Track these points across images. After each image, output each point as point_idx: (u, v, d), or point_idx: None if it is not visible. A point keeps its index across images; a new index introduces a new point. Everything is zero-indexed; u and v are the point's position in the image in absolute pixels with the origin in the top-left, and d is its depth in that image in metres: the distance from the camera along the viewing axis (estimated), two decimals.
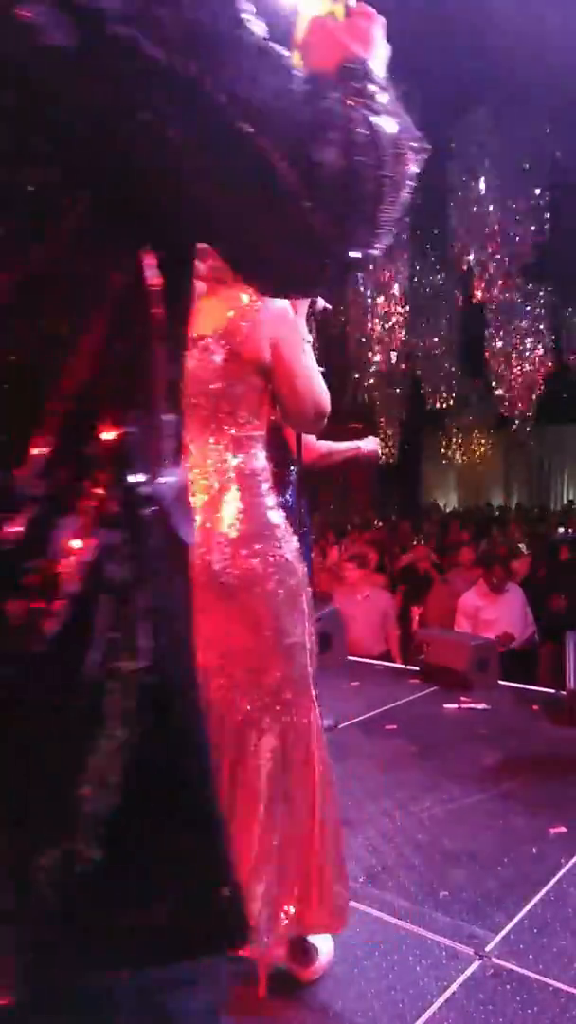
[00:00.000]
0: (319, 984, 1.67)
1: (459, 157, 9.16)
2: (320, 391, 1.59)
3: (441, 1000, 1.63)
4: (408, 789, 2.70)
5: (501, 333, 11.10)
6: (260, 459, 1.59)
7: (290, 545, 1.58)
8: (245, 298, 1.54)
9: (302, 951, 1.64)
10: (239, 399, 1.55)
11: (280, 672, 1.57)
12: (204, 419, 1.55)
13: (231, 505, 1.53)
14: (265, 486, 1.58)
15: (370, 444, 2.46)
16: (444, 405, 12.67)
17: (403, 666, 4.63)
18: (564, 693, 3.69)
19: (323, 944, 1.70)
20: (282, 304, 1.57)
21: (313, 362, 1.63)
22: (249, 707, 1.56)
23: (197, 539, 1.50)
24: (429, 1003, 1.62)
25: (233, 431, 1.56)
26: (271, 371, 1.55)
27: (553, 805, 2.57)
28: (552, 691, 3.94)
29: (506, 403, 11.75)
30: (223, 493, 1.54)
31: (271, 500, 1.59)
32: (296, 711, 1.59)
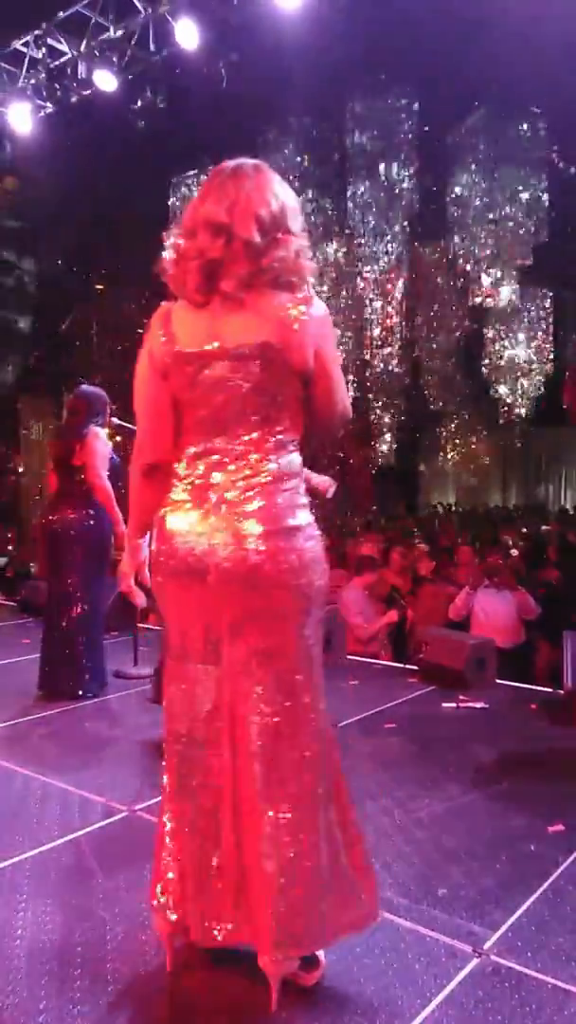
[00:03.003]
0: (318, 982, 1.67)
1: (459, 157, 9.18)
2: (347, 399, 1.70)
3: (440, 997, 1.64)
4: (407, 787, 2.71)
5: (501, 334, 11.12)
6: (297, 460, 1.65)
7: (320, 544, 1.64)
8: (291, 307, 1.56)
9: (308, 958, 1.64)
10: (283, 405, 1.60)
11: (302, 675, 1.60)
12: (249, 423, 1.59)
13: (268, 505, 1.57)
14: (301, 486, 1.65)
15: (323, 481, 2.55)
16: (443, 406, 12.68)
17: (402, 665, 4.64)
18: (562, 692, 3.70)
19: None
20: (324, 312, 1.62)
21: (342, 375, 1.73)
22: (273, 709, 1.57)
23: (234, 536, 1.55)
24: (428, 1000, 1.63)
25: (276, 436, 1.60)
26: (312, 377, 1.60)
27: (551, 803, 2.58)
28: (550, 690, 3.95)
29: (505, 405, 11.76)
30: (260, 493, 1.57)
31: (304, 499, 1.64)
32: (316, 715, 1.61)
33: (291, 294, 1.57)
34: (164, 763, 1.71)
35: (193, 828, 1.62)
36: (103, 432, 3.86)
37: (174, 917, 1.64)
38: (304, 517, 1.61)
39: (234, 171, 1.59)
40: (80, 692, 3.80)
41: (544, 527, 11.36)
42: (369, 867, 1.71)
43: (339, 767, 1.69)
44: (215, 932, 1.60)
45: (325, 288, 31.16)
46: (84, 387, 4.06)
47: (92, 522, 3.81)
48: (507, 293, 32.33)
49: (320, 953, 1.68)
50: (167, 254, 1.62)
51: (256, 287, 1.55)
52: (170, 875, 1.66)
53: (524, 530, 11.51)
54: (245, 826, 1.58)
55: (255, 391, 1.57)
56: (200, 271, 1.56)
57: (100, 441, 3.81)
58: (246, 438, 1.59)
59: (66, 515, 3.82)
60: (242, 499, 1.56)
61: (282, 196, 1.59)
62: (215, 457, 1.60)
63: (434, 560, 6.47)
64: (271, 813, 1.55)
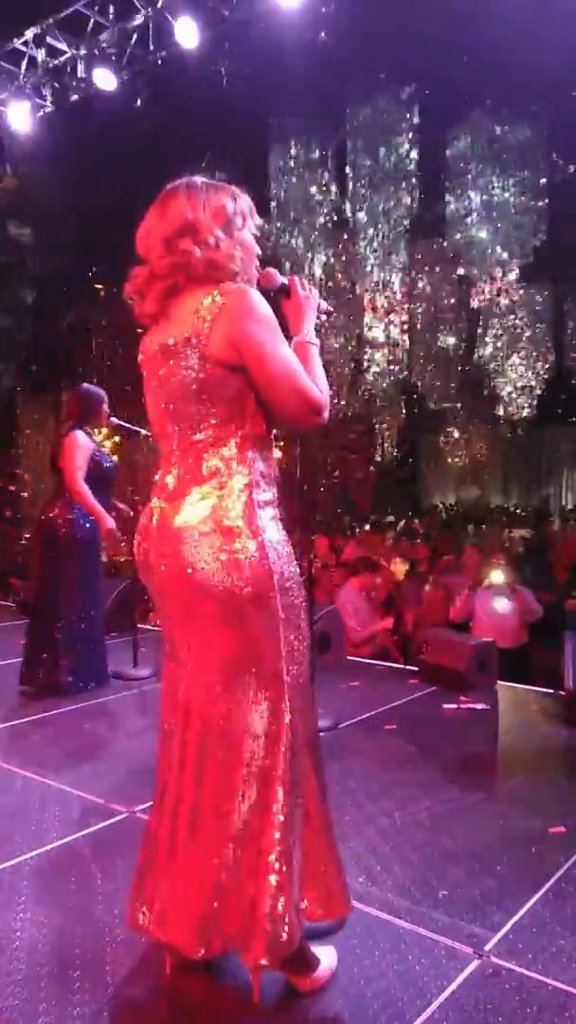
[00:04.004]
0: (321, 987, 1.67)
1: (459, 157, 9.19)
2: (304, 383, 1.55)
3: (440, 999, 1.63)
4: (407, 788, 2.71)
5: (501, 334, 11.14)
6: (242, 458, 1.59)
7: (269, 545, 1.55)
8: (208, 299, 1.56)
9: (302, 961, 1.62)
10: (216, 399, 1.58)
11: (252, 677, 1.56)
12: (186, 424, 1.61)
13: (209, 503, 1.56)
14: (246, 484, 1.57)
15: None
16: (443, 406, 12.70)
17: (403, 666, 4.63)
18: (563, 693, 3.70)
19: (325, 956, 1.69)
20: (245, 298, 1.55)
21: (313, 361, 1.65)
22: (220, 711, 1.56)
23: (173, 536, 1.56)
24: (428, 1002, 1.62)
25: (209, 433, 1.59)
26: (245, 367, 1.56)
27: (552, 805, 2.57)
28: (551, 691, 3.95)
29: (505, 405, 11.79)
30: (196, 491, 1.58)
31: (254, 498, 1.57)
32: (268, 719, 1.56)
33: (214, 286, 1.57)
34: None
35: (151, 816, 1.69)
36: (81, 435, 3.86)
37: (136, 905, 1.70)
38: (248, 516, 1.55)
39: (157, 200, 1.67)
40: (70, 687, 3.84)
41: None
42: (339, 867, 1.69)
43: (310, 769, 1.64)
44: (140, 916, 1.65)
45: (325, 288, 31.15)
46: (81, 387, 4.08)
47: (82, 521, 3.88)
48: (507, 293, 32.33)
49: (319, 959, 1.66)
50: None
51: (182, 292, 1.60)
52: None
53: (524, 530, 11.50)
54: (183, 822, 1.59)
55: (183, 390, 1.59)
56: (133, 295, 1.69)
57: (76, 444, 3.83)
58: (186, 437, 1.61)
59: (57, 514, 3.90)
60: (182, 499, 1.58)
61: (189, 208, 1.61)
62: (169, 458, 1.65)
63: (434, 560, 6.46)
64: (212, 812, 1.56)
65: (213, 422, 1.58)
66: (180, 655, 1.63)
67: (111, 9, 7.04)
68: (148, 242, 1.65)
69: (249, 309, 1.55)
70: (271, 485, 1.63)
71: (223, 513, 1.55)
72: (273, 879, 1.52)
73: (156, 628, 5.09)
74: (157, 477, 1.68)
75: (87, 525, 3.88)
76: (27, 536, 10.66)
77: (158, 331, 1.66)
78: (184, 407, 1.60)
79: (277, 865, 1.52)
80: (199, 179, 1.67)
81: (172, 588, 1.59)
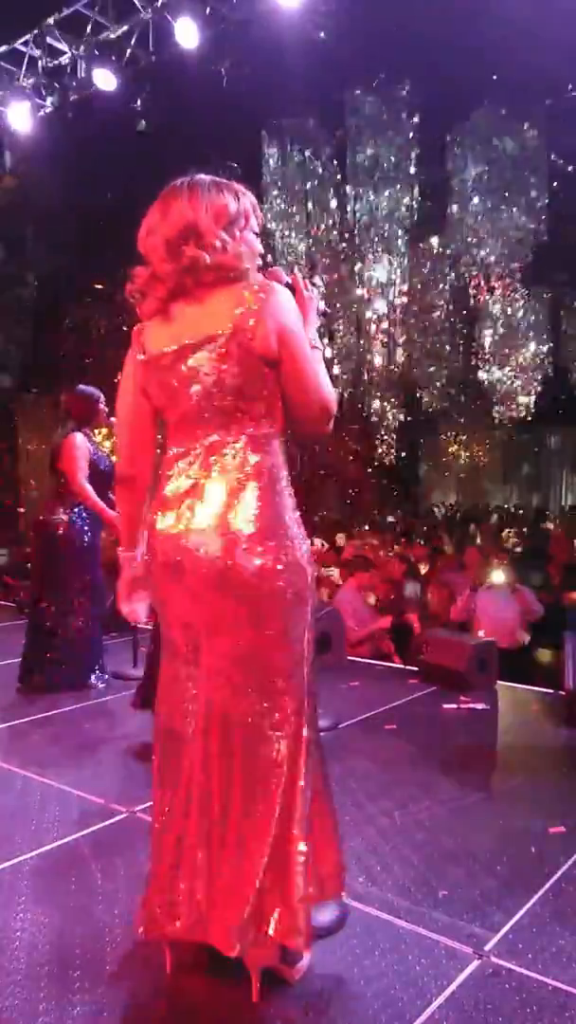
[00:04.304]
0: (318, 983, 1.67)
1: (459, 156, 9.19)
2: (327, 389, 1.62)
3: (440, 999, 1.63)
4: (407, 788, 2.71)
5: (500, 334, 11.14)
6: (278, 457, 1.62)
7: (302, 546, 1.60)
8: (247, 294, 1.56)
9: (290, 952, 1.64)
10: (254, 396, 1.58)
11: (281, 679, 1.58)
12: (220, 420, 1.58)
13: (247, 503, 1.55)
14: (282, 485, 1.61)
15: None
16: (443, 406, 12.71)
17: (403, 666, 4.63)
18: (563, 693, 3.70)
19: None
20: (285, 295, 1.60)
21: (321, 365, 1.65)
22: (249, 712, 1.57)
23: (210, 537, 1.54)
24: (428, 1002, 1.62)
25: (248, 431, 1.59)
26: (279, 361, 1.58)
27: (552, 804, 2.57)
28: (551, 691, 3.95)
29: (505, 404, 11.79)
30: (239, 491, 1.56)
31: (288, 500, 1.61)
32: (294, 719, 1.59)
33: (248, 284, 1.58)
34: (153, 759, 1.73)
35: (169, 821, 1.65)
36: (80, 437, 3.88)
37: (158, 911, 1.65)
38: (284, 517, 1.59)
39: (158, 201, 1.65)
40: (68, 686, 3.87)
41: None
42: (341, 867, 1.73)
43: (321, 768, 1.68)
44: (176, 923, 1.62)
45: (325, 288, 31.07)
46: (77, 388, 4.09)
47: (78, 522, 3.92)
48: (507, 293, 32.33)
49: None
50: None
51: (190, 293, 1.59)
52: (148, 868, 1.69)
53: (525, 530, 11.50)
54: (216, 824, 1.58)
55: (219, 386, 1.57)
56: (136, 294, 1.69)
57: (76, 447, 3.86)
58: (222, 436, 1.59)
59: (54, 515, 3.93)
60: (217, 499, 1.56)
61: (191, 210, 1.59)
62: (194, 455, 1.61)
63: (434, 560, 6.47)
64: (243, 812, 1.56)
65: (250, 420, 1.59)
66: (200, 658, 1.60)
67: (111, 9, 7.05)
68: (149, 243, 1.64)
69: (289, 305, 1.59)
70: (290, 484, 1.66)
71: (264, 513, 1.56)
72: (300, 871, 1.56)
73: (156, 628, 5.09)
74: (175, 477, 1.62)
75: (85, 527, 3.90)
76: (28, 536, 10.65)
77: (168, 330, 1.62)
78: (220, 404, 1.58)
79: (302, 859, 1.57)
80: (203, 177, 1.65)
81: (210, 590, 1.55)
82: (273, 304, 1.56)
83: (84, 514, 3.89)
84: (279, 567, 1.55)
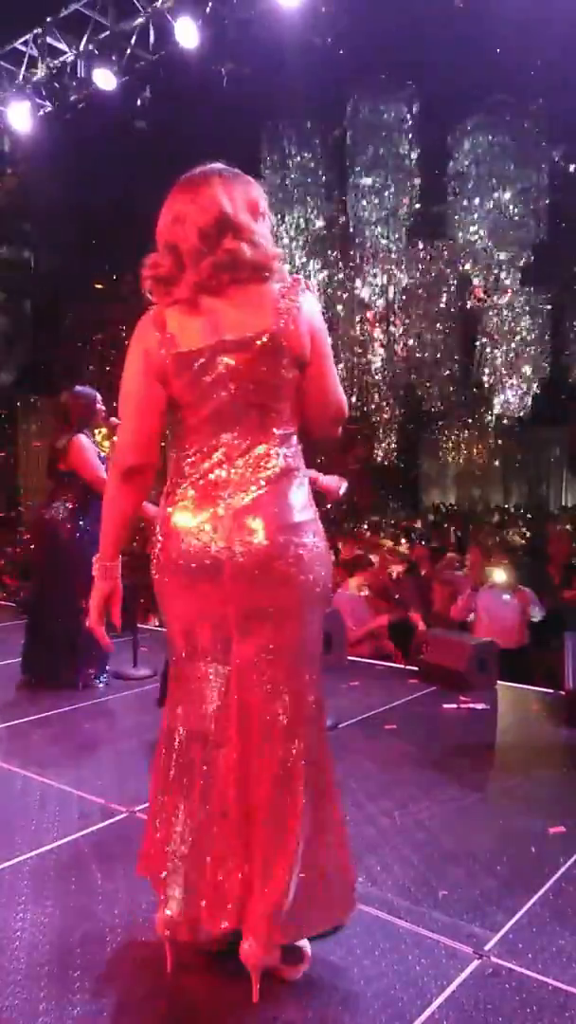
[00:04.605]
0: (318, 983, 1.67)
1: (459, 156, 9.18)
2: (342, 393, 1.67)
3: (440, 999, 1.63)
4: (407, 788, 2.70)
5: (499, 335, 11.14)
6: (299, 454, 1.64)
7: (325, 540, 1.65)
8: (283, 294, 1.57)
9: (290, 951, 1.64)
10: (284, 397, 1.59)
11: (308, 673, 1.61)
12: (253, 417, 1.58)
13: (284, 498, 1.57)
14: (306, 480, 1.64)
15: (331, 481, 2.31)
16: (443, 406, 12.71)
17: (403, 666, 4.63)
18: (563, 693, 3.70)
19: (306, 943, 1.71)
20: (314, 297, 1.62)
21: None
22: (283, 708, 1.57)
23: (244, 532, 1.54)
24: (428, 1002, 1.62)
25: (280, 429, 1.60)
26: (308, 363, 1.60)
27: (552, 805, 2.57)
28: (551, 691, 3.95)
29: (505, 404, 11.79)
30: (274, 487, 1.57)
31: (309, 493, 1.64)
32: (319, 713, 1.63)
33: (280, 283, 1.58)
34: (159, 761, 1.70)
35: (195, 825, 1.61)
36: (84, 439, 3.91)
37: (168, 913, 1.64)
38: (311, 512, 1.62)
39: (183, 184, 1.61)
40: (72, 683, 3.87)
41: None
42: (351, 862, 1.74)
43: (332, 764, 1.70)
44: (221, 924, 1.58)
45: (325, 287, 31.14)
46: (74, 389, 4.09)
47: (81, 522, 3.92)
48: (506, 292, 32.34)
49: (306, 947, 1.69)
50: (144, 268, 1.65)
51: (239, 280, 1.56)
52: (164, 873, 1.65)
53: (525, 529, 11.50)
54: (253, 822, 1.58)
55: (258, 383, 1.56)
56: (155, 284, 1.62)
57: (85, 449, 3.88)
58: (254, 433, 1.58)
59: (53, 518, 3.93)
60: (250, 495, 1.56)
61: (227, 200, 1.57)
62: (222, 453, 1.58)
63: (435, 560, 6.46)
64: (279, 810, 1.56)
65: (279, 418, 1.60)
66: (231, 657, 1.58)
67: (110, 9, 7.05)
68: (177, 231, 1.57)
69: (317, 307, 1.61)
70: None
71: (298, 508, 1.58)
72: (331, 860, 1.62)
73: (156, 628, 5.09)
74: (203, 476, 1.58)
75: (87, 526, 3.90)
76: (26, 536, 10.64)
77: (199, 323, 1.56)
78: (254, 403, 1.57)
79: (331, 849, 1.63)
80: (226, 167, 1.63)
81: (253, 585, 1.54)
82: (307, 305, 1.58)
83: (89, 513, 3.88)
84: (313, 560, 1.58)
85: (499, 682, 4.03)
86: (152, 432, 1.62)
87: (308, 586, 1.58)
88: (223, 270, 1.55)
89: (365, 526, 12.93)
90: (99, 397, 4.04)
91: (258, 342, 1.54)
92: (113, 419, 4.11)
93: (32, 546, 4.58)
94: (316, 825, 1.61)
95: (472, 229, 33.00)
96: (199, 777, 1.61)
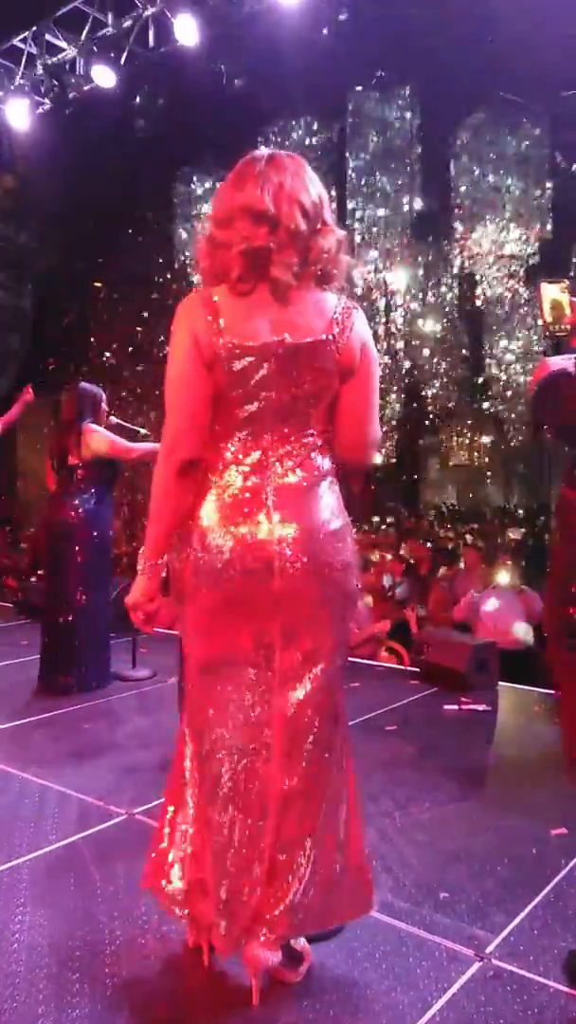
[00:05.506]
0: (319, 986, 1.66)
1: (460, 155, 9.18)
2: (377, 418, 1.66)
3: (441, 1002, 1.62)
4: (408, 789, 2.70)
5: (502, 334, 11.14)
6: (333, 462, 1.63)
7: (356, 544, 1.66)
8: (340, 303, 1.55)
9: (291, 954, 1.64)
10: (325, 403, 1.58)
11: (339, 678, 1.62)
12: (300, 421, 1.56)
13: (325, 502, 1.57)
14: (337, 486, 1.64)
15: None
16: (442, 406, 12.71)
17: (403, 667, 4.62)
18: None
19: (307, 946, 1.71)
20: (365, 319, 1.61)
21: None
22: (321, 712, 1.58)
23: (301, 537, 1.52)
24: (429, 1004, 1.61)
25: (322, 435, 1.59)
26: (353, 378, 1.57)
27: (553, 806, 2.56)
28: (552, 692, 3.94)
29: (506, 404, 11.80)
30: (316, 491, 1.56)
31: (340, 500, 1.64)
32: (345, 716, 1.66)
33: (334, 291, 1.57)
34: (180, 770, 1.68)
35: (230, 835, 1.56)
36: (91, 424, 3.88)
37: (222, 932, 1.57)
38: (346, 516, 1.62)
39: (271, 159, 1.52)
40: (80, 687, 3.84)
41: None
42: (367, 862, 1.75)
43: (353, 764, 1.72)
44: (260, 936, 1.55)
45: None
46: (78, 385, 4.07)
47: (91, 520, 3.87)
48: (508, 292, 32.37)
49: (307, 949, 1.68)
50: (200, 244, 1.55)
51: (304, 279, 1.51)
52: (178, 883, 1.66)
53: (524, 530, 11.51)
54: (289, 827, 1.57)
55: (307, 388, 1.53)
56: (243, 259, 1.47)
57: (96, 430, 3.86)
58: (295, 437, 1.55)
59: (65, 514, 3.88)
60: (295, 500, 1.53)
61: (318, 187, 1.54)
62: (263, 455, 1.53)
63: (436, 561, 6.46)
64: (315, 814, 1.58)
65: (318, 423, 1.58)
66: (274, 664, 1.54)
67: (110, 6, 7.04)
68: (283, 201, 1.46)
69: (367, 324, 1.60)
70: None
71: (337, 512, 1.59)
72: (349, 858, 1.64)
73: (156, 629, 5.07)
74: (244, 478, 1.52)
75: (101, 523, 3.91)
76: (30, 536, 10.63)
77: (253, 315, 1.48)
78: (300, 406, 1.54)
79: (348, 848, 1.65)
80: None
81: (303, 589, 1.51)
82: (359, 319, 1.57)
83: (98, 512, 3.88)
84: (354, 566, 1.60)
85: (500, 683, 4.02)
86: (204, 423, 1.51)
87: (351, 591, 1.60)
88: (314, 264, 1.51)
89: (365, 527, 12.94)
90: (103, 396, 4.02)
91: (315, 346, 1.50)
92: (113, 419, 4.10)
93: (43, 546, 4.54)
94: (343, 823, 1.64)
95: (474, 228, 33.02)
96: (234, 786, 1.56)
